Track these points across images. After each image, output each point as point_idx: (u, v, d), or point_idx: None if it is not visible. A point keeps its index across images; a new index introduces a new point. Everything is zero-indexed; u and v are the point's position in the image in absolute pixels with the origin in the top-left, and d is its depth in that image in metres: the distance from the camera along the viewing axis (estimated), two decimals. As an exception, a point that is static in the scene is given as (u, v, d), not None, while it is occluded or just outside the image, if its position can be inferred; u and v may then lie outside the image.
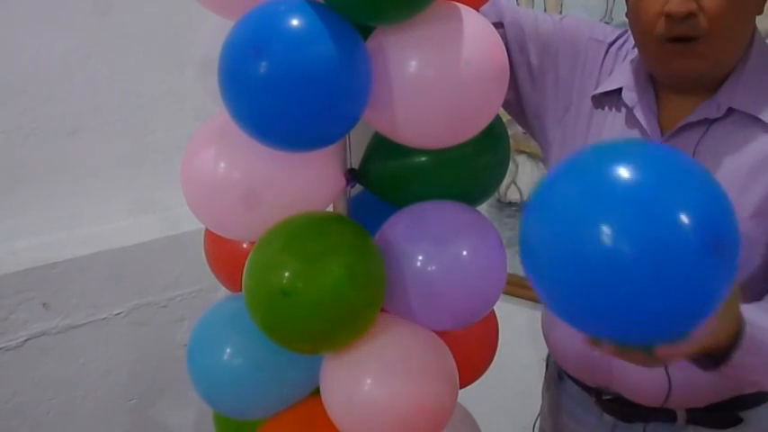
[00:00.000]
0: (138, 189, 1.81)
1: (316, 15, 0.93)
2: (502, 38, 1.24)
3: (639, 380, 1.16)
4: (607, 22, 1.66)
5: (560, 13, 1.74)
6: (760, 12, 1.09)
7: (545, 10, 1.76)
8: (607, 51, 1.22)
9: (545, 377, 1.41)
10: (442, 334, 1.14)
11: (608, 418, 1.24)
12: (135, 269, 1.74)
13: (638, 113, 1.15)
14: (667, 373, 1.13)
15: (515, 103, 1.30)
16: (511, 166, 1.25)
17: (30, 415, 1.64)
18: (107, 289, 1.70)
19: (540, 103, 1.27)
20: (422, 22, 0.98)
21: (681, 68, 1.10)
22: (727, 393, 1.16)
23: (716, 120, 1.10)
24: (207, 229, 1.23)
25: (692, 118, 1.10)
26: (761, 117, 1.07)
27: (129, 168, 1.78)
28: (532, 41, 1.25)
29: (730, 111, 1.09)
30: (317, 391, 1.16)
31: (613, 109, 1.19)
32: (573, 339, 1.24)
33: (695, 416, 1.17)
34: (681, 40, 1.06)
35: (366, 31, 1.01)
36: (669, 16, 1.05)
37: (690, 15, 1.04)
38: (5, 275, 1.56)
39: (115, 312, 1.73)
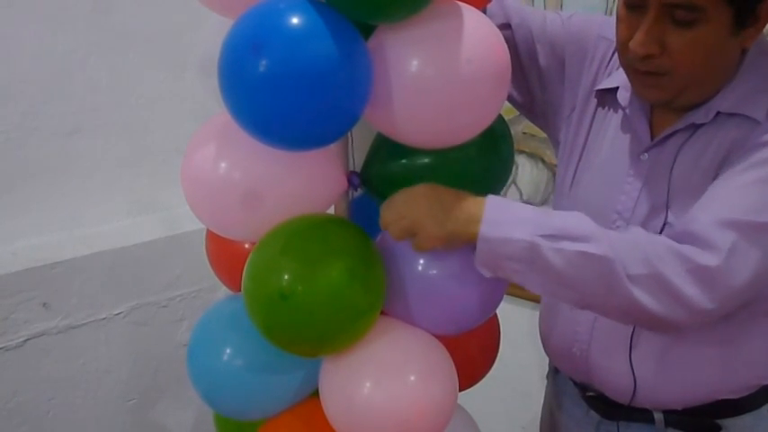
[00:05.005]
0: (138, 189, 1.80)
1: (316, 13, 0.93)
2: (509, 40, 1.23)
3: (608, 373, 1.18)
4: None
5: (560, 10, 1.73)
6: (746, 46, 1.06)
7: (545, 8, 1.76)
8: (615, 49, 1.19)
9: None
10: (442, 337, 1.14)
11: (594, 414, 1.25)
12: (135, 269, 1.73)
13: (631, 115, 1.15)
14: (632, 369, 1.15)
15: (528, 105, 1.31)
16: (511, 166, 1.25)
17: (30, 415, 1.64)
18: (107, 289, 1.70)
19: (551, 103, 1.27)
20: (423, 20, 0.98)
21: (646, 96, 1.10)
22: (703, 397, 1.16)
23: (702, 125, 1.08)
24: (208, 229, 1.23)
25: (679, 125, 1.10)
26: (744, 113, 1.05)
27: (129, 168, 1.78)
28: (540, 43, 1.24)
29: (718, 115, 1.07)
30: (317, 392, 1.16)
31: (611, 109, 1.19)
32: (555, 332, 1.25)
33: (673, 419, 1.18)
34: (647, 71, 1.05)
35: (367, 30, 1.01)
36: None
37: (650, 56, 1.03)
38: (5, 275, 1.55)
39: (115, 312, 1.73)
